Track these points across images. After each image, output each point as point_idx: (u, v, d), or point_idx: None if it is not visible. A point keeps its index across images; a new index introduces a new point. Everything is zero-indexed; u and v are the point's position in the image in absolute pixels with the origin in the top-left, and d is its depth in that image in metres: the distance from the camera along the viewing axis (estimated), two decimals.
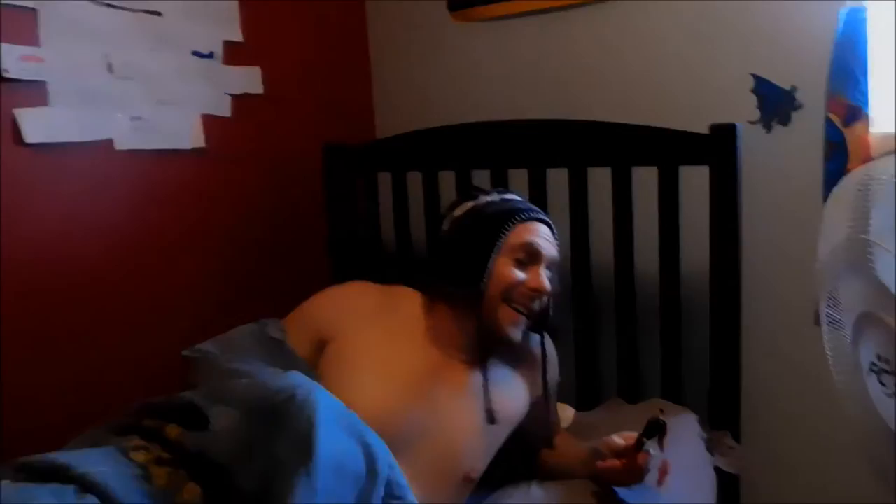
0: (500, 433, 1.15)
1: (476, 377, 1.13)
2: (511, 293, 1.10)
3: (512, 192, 1.25)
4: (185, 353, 1.07)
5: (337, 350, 1.11)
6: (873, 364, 0.82)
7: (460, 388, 1.11)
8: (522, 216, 1.14)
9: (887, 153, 0.87)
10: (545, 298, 1.14)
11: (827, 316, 0.93)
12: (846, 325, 0.89)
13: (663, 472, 1.03)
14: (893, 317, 0.76)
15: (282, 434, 0.79)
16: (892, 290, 0.75)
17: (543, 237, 1.15)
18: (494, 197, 1.20)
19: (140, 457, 0.83)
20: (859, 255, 0.82)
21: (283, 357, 1.09)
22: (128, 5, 1.36)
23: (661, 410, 1.01)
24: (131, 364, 1.43)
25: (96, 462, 0.79)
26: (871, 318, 0.82)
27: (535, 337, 1.21)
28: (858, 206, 0.85)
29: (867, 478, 0.98)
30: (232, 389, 0.87)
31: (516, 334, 1.12)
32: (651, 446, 1.03)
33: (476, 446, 1.10)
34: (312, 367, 1.11)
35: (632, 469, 1.04)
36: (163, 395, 0.97)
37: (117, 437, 0.86)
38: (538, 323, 1.18)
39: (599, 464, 1.08)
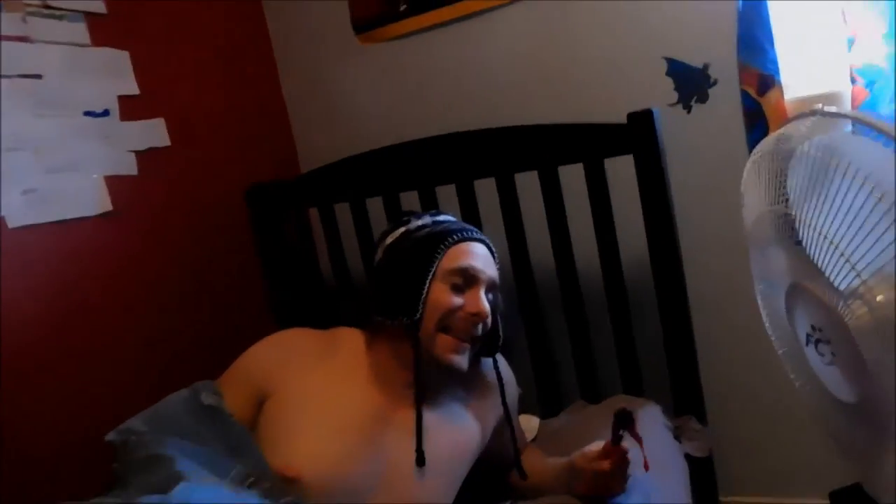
0: (459, 468, 1.09)
1: (431, 414, 1.08)
2: (448, 320, 1.04)
3: (445, 214, 1.20)
4: (108, 437, 0.98)
5: (275, 406, 1.04)
6: (808, 335, 0.80)
7: (407, 428, 1.05)
8: (455, 237, 1.09)
9: (797, 116, 0.84)
10: (488, 322, 1.08)
11: (759, 290, 0.91)
12: (779, 297, 0.86)
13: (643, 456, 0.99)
14: (820, 287, 0.73)
15: None
16: (815, 260, 0.72)
17: (480, 258, 1.09)
18: (426, 220, 1.15)
19: None
20: (780, 227, 0.79)
21: (216, 426, 1.01)
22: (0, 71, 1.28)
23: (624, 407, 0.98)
24: (61, 447, 1.33)
25: None
26: (800, 288, 0.79)
27: (488, 361, 1.15)
28: (773, 174, 0.82)
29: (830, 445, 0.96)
30: None
31: (461, 362, 1.06)
32: (626, 438, 0.99)
33: (433, 486, 1.04)
34: (251, 429, 1.04)
35: (620, 466, 0.99)
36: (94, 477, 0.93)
37: None
38: (487, 346, 1.12)
39: (594, 476, 1.01)
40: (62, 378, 1.36)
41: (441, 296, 1.05)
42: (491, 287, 1.09)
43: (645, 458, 0.99)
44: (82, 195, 1.41)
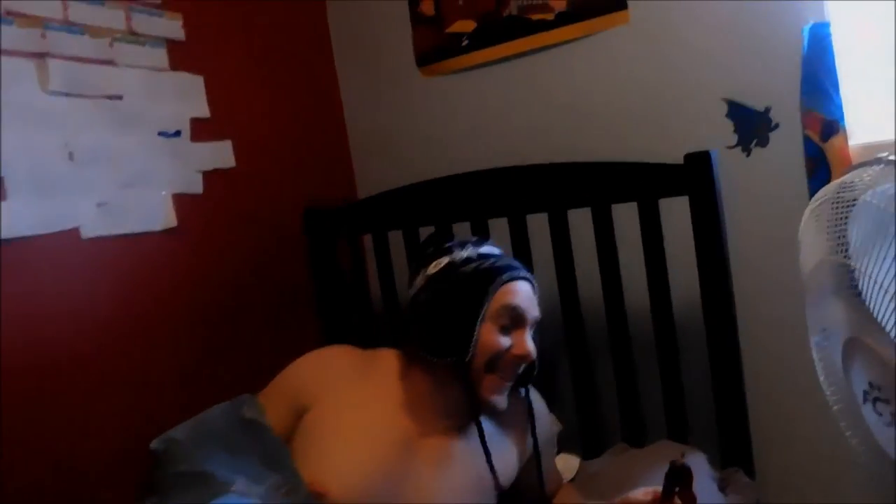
0: (490, 498, 1.09)
1: (461, 444, 1.08)
2: (496, 362, 1.05)
3: (488, 244, 1.18)
4: (152, 445, 1.02)
5: (311, 422, 1.06)
6: (866, 392, 0.76)
7: (442, 456, 1.06)
8: (504, 277, 1.08)
9: (860, 164, 0.82)
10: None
11: (815, 342, 0.88)
12: (835, 350, 0.83)
13: None
14: (880, 343, 0.71)
15: None
16: (875, 313, 0.70)
17: (526, 298, 1.09)
18: (471, 251, 1.13)
19: None
20: (839, 277, 0.77)
21: (255, 439, 1.04)
22: (85, 92, 1.36)
23: (683, 454, 0.95)
24: (117, 453, 1.38)
25: None
26: (859, 342, 0.76)
27: (521, 391, 1.15)
28: (833, 223, 0.80)
29: None
30: None
31: (502, 403, 1.07)
32: (678, 494, 0.96)
33: None
34: (287, 440, 1.06)
35: None
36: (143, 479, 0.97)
37: None
38: (521, 378, 1.13)
39: None
40: (112, 385, 1.41)
41: (491, 338, 1.05)
42: (533, 325, 1.10)
43: None
44: (151, 211, 1.48)
